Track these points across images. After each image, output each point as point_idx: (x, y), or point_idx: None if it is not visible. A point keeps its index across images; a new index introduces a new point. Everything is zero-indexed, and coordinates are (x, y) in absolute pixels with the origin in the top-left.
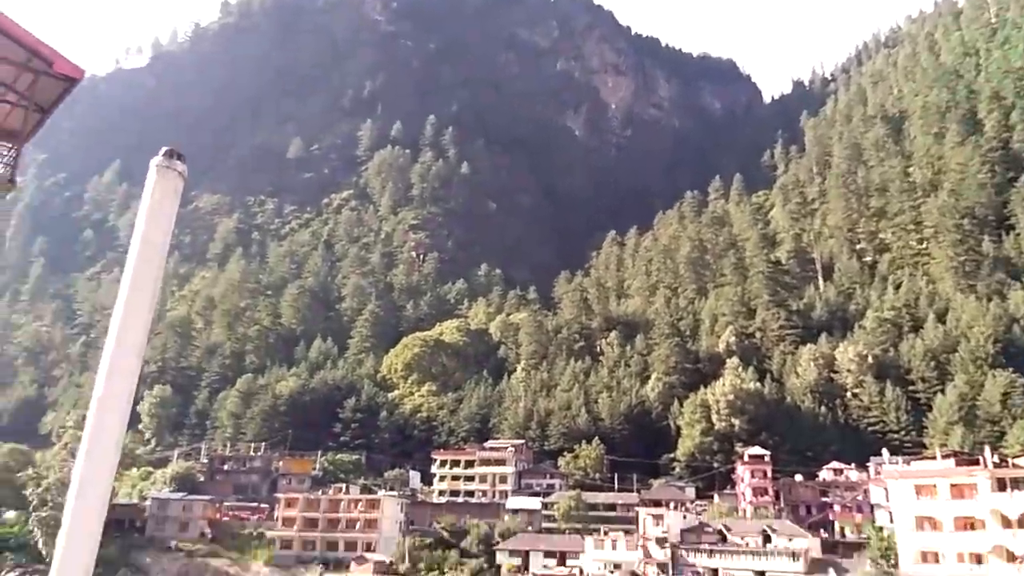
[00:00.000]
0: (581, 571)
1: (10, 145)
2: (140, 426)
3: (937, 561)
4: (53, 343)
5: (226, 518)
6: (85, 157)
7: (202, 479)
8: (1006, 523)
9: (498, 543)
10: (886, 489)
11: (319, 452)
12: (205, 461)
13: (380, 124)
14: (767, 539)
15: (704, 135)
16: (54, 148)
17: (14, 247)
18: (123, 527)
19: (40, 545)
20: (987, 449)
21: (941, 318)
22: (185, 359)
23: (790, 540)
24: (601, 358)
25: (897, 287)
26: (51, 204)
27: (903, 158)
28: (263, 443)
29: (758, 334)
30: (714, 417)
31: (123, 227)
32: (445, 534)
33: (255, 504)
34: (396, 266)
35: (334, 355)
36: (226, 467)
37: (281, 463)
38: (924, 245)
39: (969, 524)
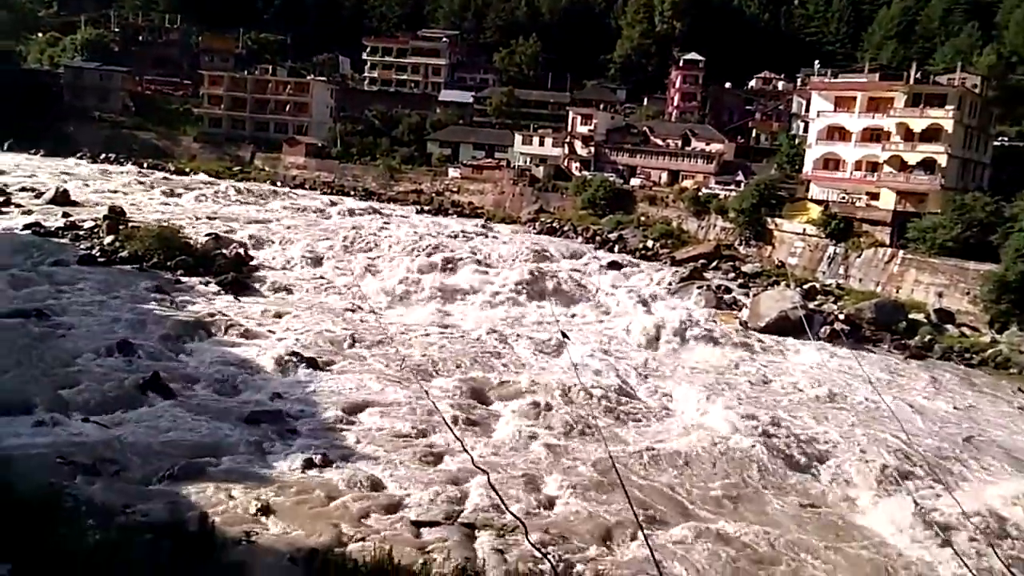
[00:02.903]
0: (508, 163)
1: None
2: None
3: (837, 168)
4: None
5: (148, 92)
6: None
7: (117, 50)
8: (908, 136)
9: (429, 133)
10: (807, 100)
11: (240, 30)
12: (117, 30)
13: None
14: (686, 142)
15: None
16: None
17: None
18: (38, 94)
19: None
20: (913, 65)
21: None
22: None
23: (707, 144)
24: None
25: None
26: None
27: None
28: (178, 15)
29: None
30: (656, 19)
31: None
32: (377, 122)
33: (177, 80)
34: None
35: None
36: (141, 38)
37: (201, 39)
38: None
39: (875, 136)
